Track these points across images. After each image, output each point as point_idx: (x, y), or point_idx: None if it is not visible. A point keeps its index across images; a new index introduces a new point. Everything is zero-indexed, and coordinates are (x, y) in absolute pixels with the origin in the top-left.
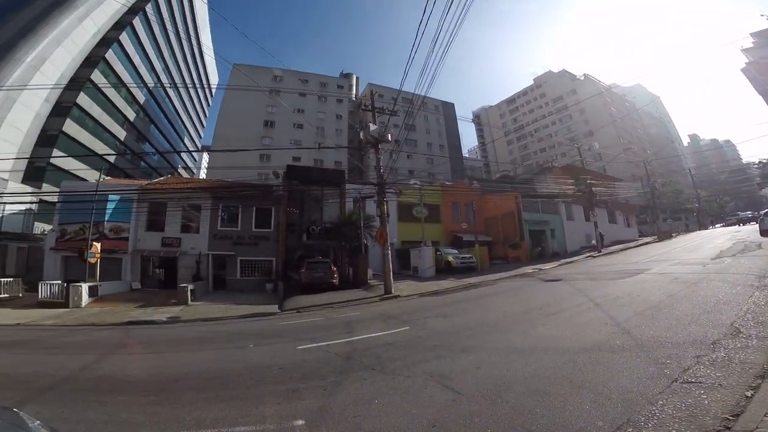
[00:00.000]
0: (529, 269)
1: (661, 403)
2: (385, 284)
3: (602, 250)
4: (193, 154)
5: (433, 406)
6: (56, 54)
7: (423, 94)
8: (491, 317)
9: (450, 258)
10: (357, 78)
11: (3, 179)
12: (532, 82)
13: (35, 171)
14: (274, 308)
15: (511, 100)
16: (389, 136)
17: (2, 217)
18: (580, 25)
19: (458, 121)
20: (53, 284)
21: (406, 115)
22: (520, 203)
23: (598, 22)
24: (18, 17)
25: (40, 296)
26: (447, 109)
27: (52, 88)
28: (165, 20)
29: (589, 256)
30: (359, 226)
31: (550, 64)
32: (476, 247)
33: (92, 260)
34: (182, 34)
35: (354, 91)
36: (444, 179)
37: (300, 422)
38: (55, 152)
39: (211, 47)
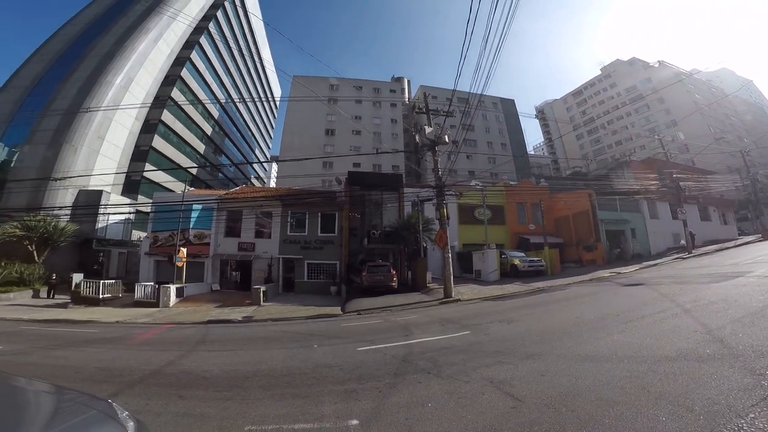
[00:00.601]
0: (605, 273)
1: (752, 416)
2: (445, 288)
3: (693, 251)
4: (264, 164)
5: (489, 412)
6: (140, 75)
7: (479, 92)
8: (560, 323)
9: (516, 261)
10: (408, 81)
11: (107, 192)
12: (599, 72)
13: (132, 184)
14: (337, 310)
15: (577, 92)
16: (446, 137)
17: (106, 226)
18: (646, 10)
19: (520, 118)
20: (147, 285)
21: (463, 114)
22: (594, 201)
23: (665, 7)
24: (101, 43)
25: (136, 296)
26: (507, 106)
27: (140, 107)
28: (228, 38)
29: (677, 258)
30: (418, 230)
31: (617, 53)
32: (545, 250)
33: (179, 264)
34: (244, 51)
35: (407, 95)
36: (508, 179)
37: (354, 422)
38: (147, 166)
39: (271, 61)
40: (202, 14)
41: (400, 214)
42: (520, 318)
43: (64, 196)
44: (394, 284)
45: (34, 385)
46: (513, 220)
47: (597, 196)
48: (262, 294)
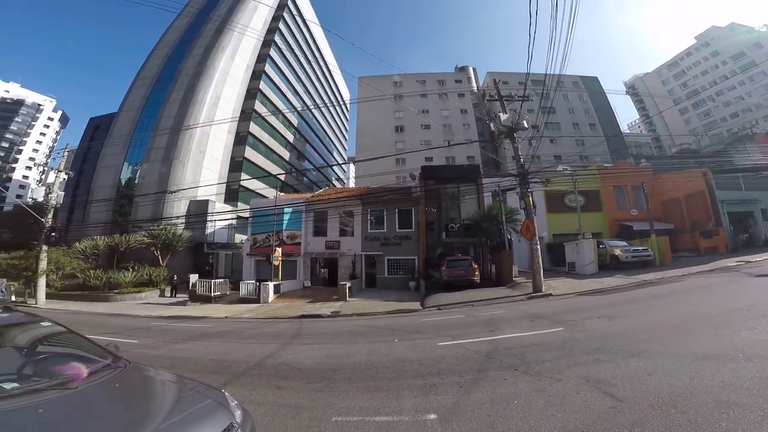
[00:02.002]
0: (730, 262)
1: None
2: (534, 282)
3: None
4: (342, 166)
5: (584, 411)
6: (225, 91)
7: (555, 72)
8: (673, 319)
9: (617, 251)
10: (474, 69)
11: (212, 201)
12: (695, 41)
13: (231, 193)
14: (417, 305)
15: (672, 64)
16: (525, 122)
17: (214, 231)
18: None
19: (608, 95)
20: (249, 283)
21: (541, 97)
22: (711, 180)
23: None
24: (187, 65)
25: (240, 293)
26: (590, 84)
27: (230, 121)
28: (293, 48)
29: None
30: (501, 221)
31: (708, 20)
32: (652, 238)
33: (276, 263)
34: (309, 58)
35: (474, 84)
36: (602, 161)
37: (432, 416)
38: (243, 175)
39: (335, 64)
40: (266, 28)
41: (479, 206)
42: (622, 314)
43: (178, 207)
44: (476, 278)
45: (162, 375)
46: (611, 206)
47: (713, 174)
48: (347, 290)
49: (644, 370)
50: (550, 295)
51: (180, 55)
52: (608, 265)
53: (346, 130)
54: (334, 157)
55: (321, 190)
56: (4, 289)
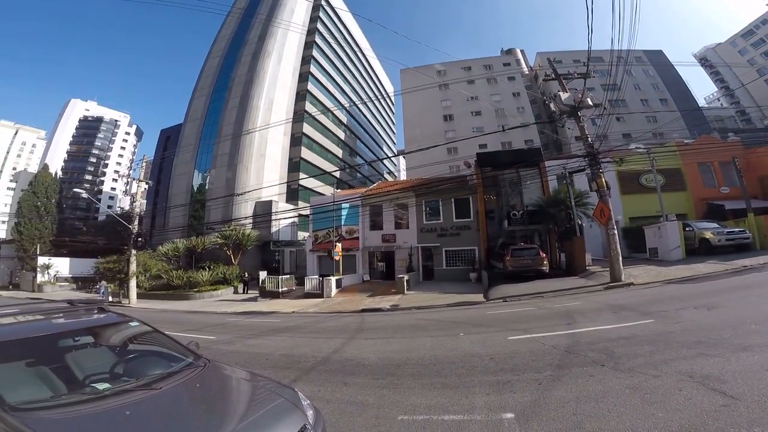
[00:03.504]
0: None
1: None
2: (612, 270)
3: None
4: (392, 159)
5: (689, 410)
6: (276, 95)
7: (623, 47)
8: None
9: (708, 234)
10: (522, 51)
11: (275, 201)
12: None
13: (292, 192)
14: (479, 297)
15: (747, 33)
16: (589, 100)
17: (278, 230)
18: None
19: (678, 68)
20: (313, 278)
21: (609, 75)
22: None
23: None
24: (239, 73)
25: (305, 288)
26: (655, 57)
27: (285, 123)
28: (333, 47)
29: None
30: (569, 205)
31: None
32: (750, 217)
33: (336, 258)
34: (350, 55)
35: (523, 65)
36: (680, 137)
37: (509, 415)
38: (301, 175)
39: (374, 56)
40: (306, 29)
41: (543, 191)
42: (723, 303)
43: (245, 209)
44: (545, 268)
45: (237, 374)
46: (696, 184)
47: None
48: (405, 283)
49: (761, 365)
50: (631, 284)
51: (231, 63)
52: (697, 249)
53: (394, 123)
54: (384, 151)
55: (374, 185)
56: (103, 290)
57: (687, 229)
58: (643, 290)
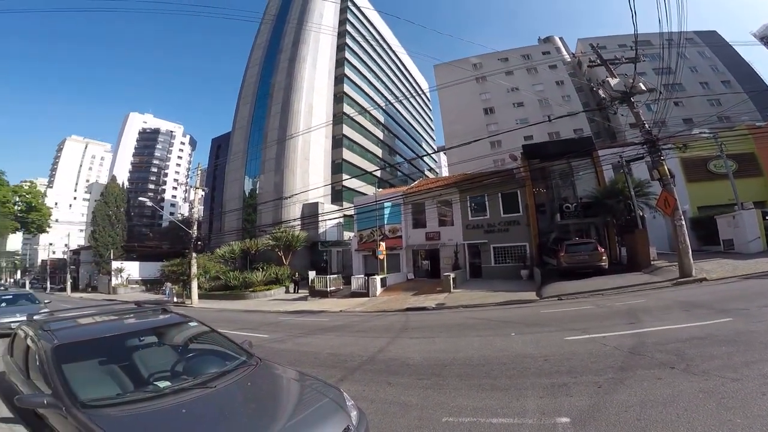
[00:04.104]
0: None
1: None
2: (681, 264)
3: None
4: (433, 155)
5: None
6: (315, 99)
7: (673, 29)
8: None
9: None
10: (561, 38)
11: (321, 203)
12: None
13: (336, 193)
14: (532, 295)
15: None
16: (641, 85)
17: (325, 230)
18: None
19: (738, 48)
20: (359, 278)
21: (660, 58)
22: None
23: None
24: (277, 80)
25: (352, 288)
26: (709, 38)
27: (325, 126)
28: (365, 48)
29: None
30: (629, 196)
31: None
32: None
33: (381, 257)
34: (382, 54)
35: (564, 53)
36: (751, 120)
37: (564, 420)
38: (344, 176)
39: (405, 53)
40: (336, 32)
41: (599, 181)
42: None
43: (294, 211)
44: (604, 264)
45: (286, 373)
46: None
47: None
48: (451, 281)
49: None
50: (704, 279)
51: (269, 70)
52: None
53: (432, 119)
54: (423, 149)
55: (416, 182)
56: (168, 291)
57: (767, 218)
58: (718, 286)
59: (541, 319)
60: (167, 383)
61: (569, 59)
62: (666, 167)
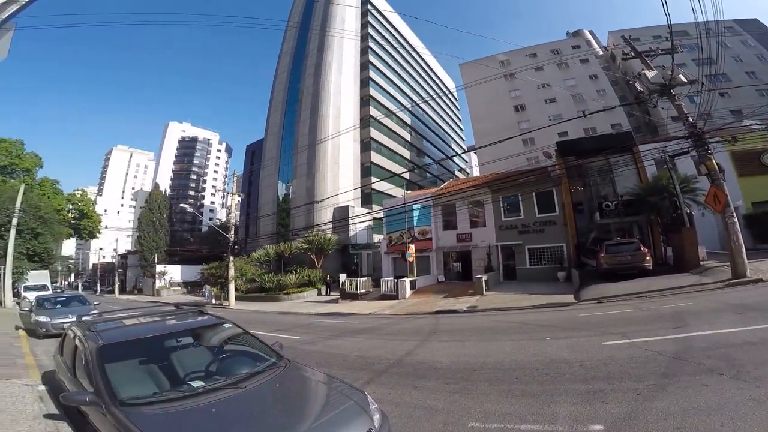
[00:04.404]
0: None
1: None
2: (733, 264)
3: None
4: (463, 155)
5: None
6: (342, 103)
7: (708, 17)
8: None
9: None
10: (591, 32)
11: (351, 206)
12: None
13: (365, 196)
14: (569, 298)
15: None
16: (681, 76)
17: (356, 233)
18: None
19: None
20: (388, 280)
21: (698, 49)
22: None
23: None
24: (305, 85)
25: (381, 290)
26: (751, 26)
27: (353, 129)
28: (387, 50)
29: None
30: (674, 192)
31: None
32: None
33: (410, 259)
34: (405, 56)
35: (595, 46)
36: None
37: (598, 427)
38: (372, 179)
39: (429, 54)
40: (358, 36)
41: (640, 178)
42: None
43: (325, 215)
44: (647, 265)
45: (314, 375)
46: None
47: None
48: (483, 283)
49: None
50: (760, 280)
51: (297, 76)
52: None
53: (460, 119)
54: (452, 149)
55: (446, 183)
56: (208, 294)
57: None
58: None
59: (579, 322)
60: (201, 383)
61: (601, 53)
62: (714, 161)
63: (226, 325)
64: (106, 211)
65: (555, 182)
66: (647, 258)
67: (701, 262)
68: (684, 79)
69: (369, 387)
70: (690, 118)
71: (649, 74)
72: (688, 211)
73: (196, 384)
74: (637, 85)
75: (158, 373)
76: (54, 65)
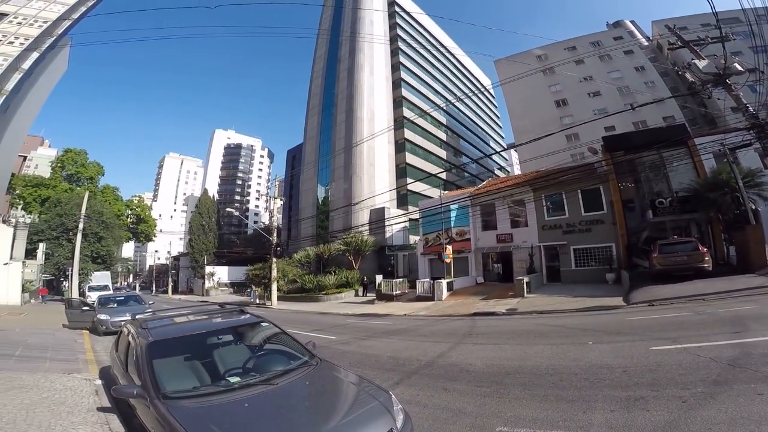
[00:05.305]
0: None
1: None
2: None
3: None
4: (502, 153)
5: None
6: (376, 105)
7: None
8: None
9: None
10: (633, 22)
11: (387, 208)
12: None
13: (401, 198)
14: (618, 300)
15: None
16: (737, 65)
17: (392, 235)
18: None
19: None
20: (424, 281)
21: (752, 35)
22: None
23: None
24: (340, 89)
25: (417, 292)
26: None
27: (387, 131)
28: (418, 50)
29: None
30: (736, 187)
31: None
32: None
33: (447, 260)
34: (437, 55)
35: (639, 37)
36: None
37: None
38: (408, 180)
39: (462, 53)
40: (388, 38)
41: (697, 172)
42: None
43: (362, 216)
44: (706, 265)
45: (341, 374)
46: None
47: None
48: (525, 285)
49: None
50: None
51: (332, 80)
52: None
53: (498, 116)
54: (491, 147)
55: (484, 182)
56: (253, 294)
57: None
58: None
59: (626, 327)
60: (238, 378)
61: (646, 43)
62: None
63: (264, 324)
64: (160, 215)
65: (602, 179)
66: (706, 258)
67: None
68: (740, 68)
69: (398, 388)
70: (751, 109)
71: (700, 64)
72: (753, 207)
73: (233, 380)
74: (688, 75)
75: (200, 368)
76: (109, 72)
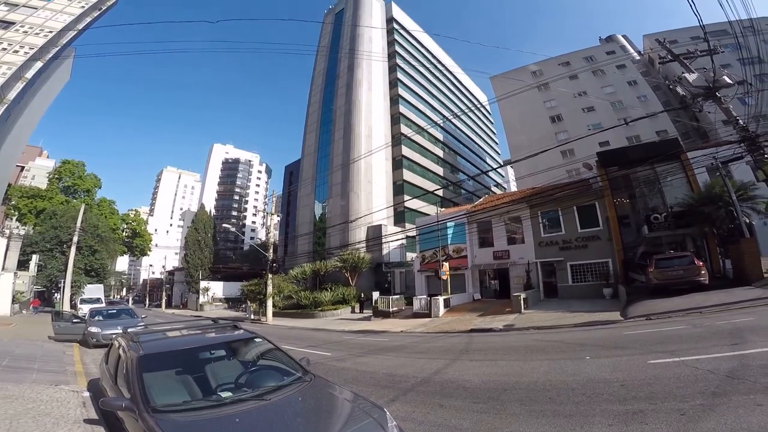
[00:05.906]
0: None
1: None
2: None
3: None
4: (498, 170)
5: None
6: (374, 121)
7: (741, 15)
8: None
9: None
10: (624, 36)
11: (384, 225)
12: None
13: (398, 215)
14: (615, 315)
15: None
16: (726, 78)
17: (389, 252)
18: None
19: None
20: (421, 298)
21: (738, 48)
22: None
23: None
24: (338, 106)
25: (414, 308)
26: None
27: (384, 148)
28: (415, 66)
29: None
30: (729, 201)
31: None
32: None
33: (444, 277)
34: (434, 71)
35: (631, 51)
36: None
37: None
38: (405, 197)
39: (459, 69)
40: (386, 54)
41: (691, 187)
42: None
43: (359, 233)
44: (702, 279)
45: (335, 390)
46: None
47: None
48: (522, 301)
49: None
50: None
51: (330, 96)
52: None
53: (494, 133)
54: (487, 164)
55: (481, 199)
56: (247, 309)
57: None
58: None
59: (623, 341)
60: (229, 394)
61: (638, 57)
62: None
63: (258, 340)
64: (156, 230)
65: (597, 195)
66: (702, 272)
67: (765, 275)
68: (729, 81)
69: (394, 404)
70: (741, 121)
71: (690, 77)
72: (747, 220)
73: (225, 395)
74: (679, 89)
75: (192, 383)
76: (110, 86)
